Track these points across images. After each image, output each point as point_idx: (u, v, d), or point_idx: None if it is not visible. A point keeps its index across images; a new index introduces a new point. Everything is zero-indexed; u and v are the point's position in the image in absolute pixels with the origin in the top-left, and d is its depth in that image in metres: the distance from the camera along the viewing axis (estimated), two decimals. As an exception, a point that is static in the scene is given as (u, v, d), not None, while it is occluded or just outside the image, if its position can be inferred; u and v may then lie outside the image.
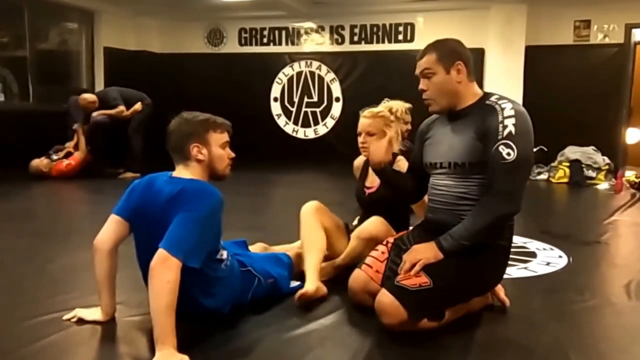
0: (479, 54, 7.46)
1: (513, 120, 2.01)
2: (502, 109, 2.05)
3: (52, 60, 7.70)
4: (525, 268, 3.11)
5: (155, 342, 1.80)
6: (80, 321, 2.15)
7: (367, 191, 2.85)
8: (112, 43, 8.15)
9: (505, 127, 2.01)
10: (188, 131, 2.17)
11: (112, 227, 2.17)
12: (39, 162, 6.33)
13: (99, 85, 8.03)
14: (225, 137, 2.22)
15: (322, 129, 8.40)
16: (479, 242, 2.12)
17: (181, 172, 2.17)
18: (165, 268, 1.85)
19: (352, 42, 8.15)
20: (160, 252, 1.88)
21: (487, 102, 2.12)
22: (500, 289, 2.43)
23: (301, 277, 2.70)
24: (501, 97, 2.12)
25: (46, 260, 3.09)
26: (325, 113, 8.36)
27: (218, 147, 2.19)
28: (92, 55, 8.08)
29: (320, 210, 2.76)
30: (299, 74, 8.43)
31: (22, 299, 2.49)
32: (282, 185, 5.70)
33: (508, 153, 1.98)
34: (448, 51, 2.14)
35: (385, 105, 2.80)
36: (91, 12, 7.96)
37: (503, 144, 1.99)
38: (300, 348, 2.03)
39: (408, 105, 2.86)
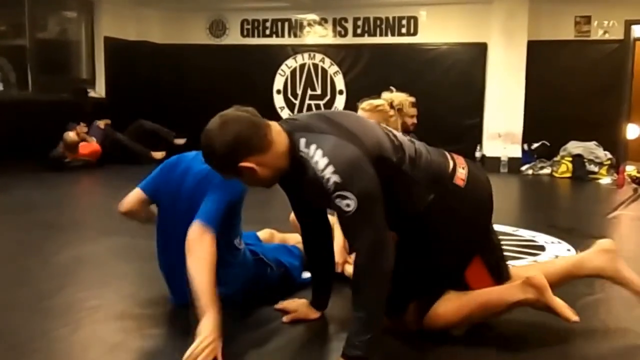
0: (482, 48, 7.47)
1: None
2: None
3: (51, 50, 7.60)
4: (535, 261, 3.11)
5: (199, 312, 1.80)
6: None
7: None
8: (113, 33, 8.07)
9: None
10: None
11: (133, 197, 2.27)
12: (74, 136, 6.55)
13: (99, 76, 7.97)
14: None
15: (324, 122, 8.37)
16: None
17: None
18: (203, 244, 1.89)
19: (355, 34, 8.09)
20: (198, 226, 1.91)
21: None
22: (563, 306, 2.01)
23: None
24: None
25: (52, 253, 3.07)
26: (328, 106, 8.30)
27: None
28: (92, 45, 8.00)
29: None
30: (302, 66, 8.38)
31: (30, 292, 2.47)
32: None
33: (347, 204, 1.68)
34: (221, 161, 1.76)
35: (386, 98, 2.73)
36: (91, 1, 7.89)
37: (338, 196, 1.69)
38: (302, 340, 2.04)
39: (411, 98, 2.81)
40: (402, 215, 1.89)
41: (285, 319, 2.14)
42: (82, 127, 6.85)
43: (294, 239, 2.84)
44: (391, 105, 2.70)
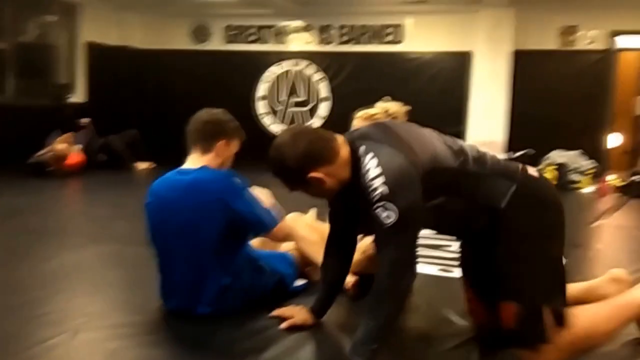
0: (467, 57, 7.54)
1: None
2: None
3: (31, 54, 7.49)
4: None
5: None
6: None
7: None
8: (94, 37, 7.97)
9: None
10: (225, 128, 2.31)
11: None
12: (66, 148, 6.35)
13: (80, 81, 7.87)
14: (237, 148, 2.40)
15: (308, 129, 8.36)
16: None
17: (195, 160, 2.25)
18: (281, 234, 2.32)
19: (340, 42, 8.13)
20: (271, 233, 2.26)
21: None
22: None
23: (304, 276, 2.69)
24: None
25: (41, 260, 3.02)
26: (312, 113, 8.33)
27: (232, 153, 2.36)
28: (73, 50, 7.90)
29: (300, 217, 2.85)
30: (286, 73, 8.38)
31: (23, 299, 2.42)
32: (270, 185, 5.63)
33: (387, 216, 1.72)
34: (292, 173, 1.86)
35: (381, 107, 2.75)
36: (73, 5, 7.79)
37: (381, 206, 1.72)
38: (307, 345, 2.03)
39: (406, 108, 2.84)
40: (484, 215, 1.87)
41: (283, 325, 2.13)
42: (69, 137, 6.67)
43: (285, 246, 2.82)
44: (387, 114, 2.72)
